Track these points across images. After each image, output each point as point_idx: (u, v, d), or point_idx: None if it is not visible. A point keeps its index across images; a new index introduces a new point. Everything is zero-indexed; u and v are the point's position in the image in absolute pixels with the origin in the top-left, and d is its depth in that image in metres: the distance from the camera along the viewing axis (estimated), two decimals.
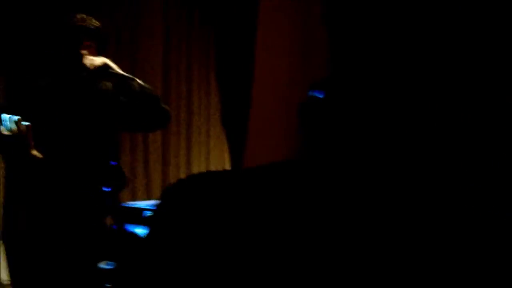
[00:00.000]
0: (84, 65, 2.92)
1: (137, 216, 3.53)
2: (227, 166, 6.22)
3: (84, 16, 2.98)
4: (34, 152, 2.76)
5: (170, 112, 3.28)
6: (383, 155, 0.92)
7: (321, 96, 0.98)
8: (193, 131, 5.91)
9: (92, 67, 2.92)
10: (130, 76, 3.04)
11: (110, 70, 2.98)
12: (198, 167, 5.96)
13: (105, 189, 2.88)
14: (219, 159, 6.20)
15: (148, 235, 0.95)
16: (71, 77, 2.95)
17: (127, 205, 3.62)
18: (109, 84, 3.09)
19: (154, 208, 0.95)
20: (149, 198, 5.20)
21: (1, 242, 4.49)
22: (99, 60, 2.96)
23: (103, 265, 3.68)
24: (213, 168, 6.10)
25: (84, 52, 2.93)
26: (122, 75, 3.00)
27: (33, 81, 2.97)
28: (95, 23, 2.99)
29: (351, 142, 0.92)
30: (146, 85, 3.07)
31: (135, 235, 3.38)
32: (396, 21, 0.90)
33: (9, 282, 4.45)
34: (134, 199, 4.64)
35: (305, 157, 0.99)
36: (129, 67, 5.14)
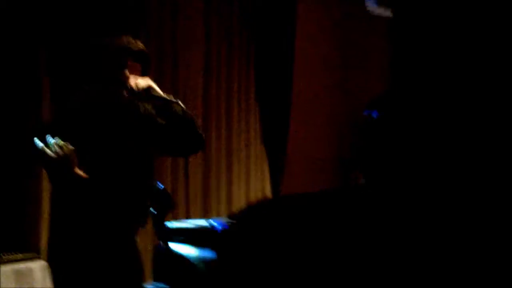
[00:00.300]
0: (128, 86, 2.94)
1: (183, 236, 3.53)
2: (267, 183, 6.21)
3: (130, 38, 3.01)
4: (78, 172, 2.79)
5: (205, 139, 3.29)
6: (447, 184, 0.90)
7: (376, 115, 0.97)
8: (233, 148, 5.90)
9: (136, 89, 2.94)
10: (173, 99, 3.02)
11: (153, 93, 2.98)
12: (238, 185, 5.95)
13: (152, 211, 2.89)
14: (259, 177, 6.18)
15: (218, 258, 0.94)
16: (114, 98, 2.97)
17: (173, 225, 3.62)
18: (149, 106, 3.11)
19: (221, 233, 0.95)
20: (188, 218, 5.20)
21: (47, 264, 4.55)
22: (143, 82, 2.98)
23: (148, 286, 3.67)
24: (253, 187, 6.08)
25: (128, 73, 2.96)
26: (164, 98, 2.99)
27: (77, 101, 2.98)
28: (140, 45, 3.02)
29: (410, 165, 0.90)
30: (186, 110, 3.07)
31: (181, 255, 3.37)
32: (464, 40, 0.89)
33: None
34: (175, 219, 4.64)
35: (363, 180, 0.98)
36: (170, 86, 5.18)
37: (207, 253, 3.34)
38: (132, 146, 2.95)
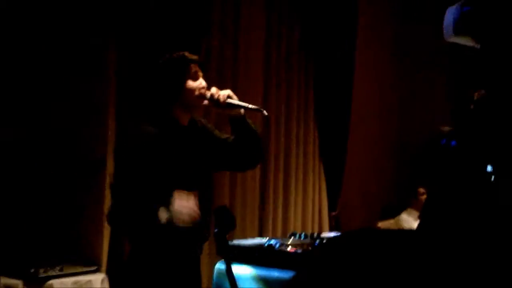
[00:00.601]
0: (205, 95, 2.94)
1: (245, 255, 3.52)
2: (324, 203, 6.18)
3: (185, 52, 3.03)
4: None
5: (264, 154, 3.30)
6: None
7: (453, 144, 0.97)
8: (291, 167, 5.90)
9: (216, 96, 2.93)
10: (256, 107, 3.00)
11: (233, 101, 2.96)
12: (294, 202, 5.94)
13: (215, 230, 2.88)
14: (316, 196, 6.16)
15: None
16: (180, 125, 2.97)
17: (235, 244, 3.61)
18: (207, 124, 3.13)
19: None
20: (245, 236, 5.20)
21: (105, 275, 4.62)
22: (225, 91, 2.97)
23: None
24: (309, 206, 6.06)
25: (202, 82, 2.95)
26: (247, 107, 2.98)
27: (142, 127, 2.93)
28: (194, 56, 3.00)
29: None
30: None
31: (242, 274, 3.36)
32: None
33: None
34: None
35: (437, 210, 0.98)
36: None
37: (268, 272, 3.33)
38: (204, 168, 2.97)
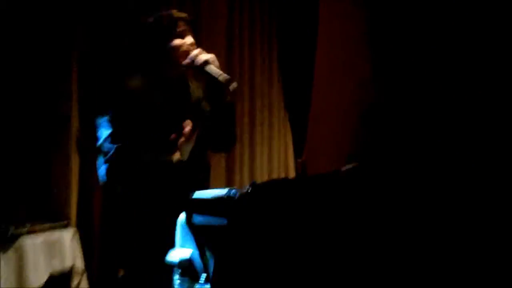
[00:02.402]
0: (186, 57, 2.91)
1: (205, 207, 3.57)
2: (290, 147, 6.25)
3: (173, 10, 3.01)
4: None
5: (236, 137, 3.20)
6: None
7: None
8: (256, 113, 5.93)
9: (196, 61, 2.88)
10: (227, 77, 2.89)
11: (210, 69, 2.88)
12: (260, 151, 6.00)
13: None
14: (281, 141, 6.22)
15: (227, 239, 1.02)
16: (163, 76, 2.98)
17: (197, 196, 3.66)
18: (199, 91, 3.08)
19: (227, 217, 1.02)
20: None
21: (76, 229, 4.65)
22: (205, 56, 2.90)
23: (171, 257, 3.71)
24: (276, 151, 6.13)
25: (178, 41, 2.93)
26: (219, 76, 2.87)
27: (123, 82, 2.96)
28: (182, 13, 3.00)
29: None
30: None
31: (202, 224, 3.42)
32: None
33: (83, 269, 4.63)
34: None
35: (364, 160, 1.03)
36: None
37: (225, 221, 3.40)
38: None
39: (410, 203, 0.94)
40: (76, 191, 4.71)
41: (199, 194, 3.80)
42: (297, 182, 1.06)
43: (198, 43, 4.70)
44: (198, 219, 3.03)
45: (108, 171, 2.84)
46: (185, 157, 2.84)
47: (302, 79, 6.26)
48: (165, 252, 2.89)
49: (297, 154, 6.25)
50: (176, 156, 2.83)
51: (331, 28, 6.82)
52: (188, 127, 2.83)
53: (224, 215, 3.37)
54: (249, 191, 1.08)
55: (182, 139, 2.82)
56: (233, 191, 3.75)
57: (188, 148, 2.85)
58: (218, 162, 5.56)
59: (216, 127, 3.01)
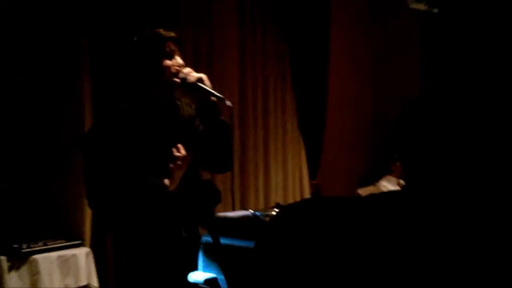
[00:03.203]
0: (177, 75, 2.84)
1: (230, 227, 3.49)
2: (304, 169, 6.23)
3: (161, 29, 2.90)
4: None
5: (233, 160, 3.04)
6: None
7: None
8: (269, 135, 5.92)
9: (189, 79, 2.82)
10: (221, 96, 2.84)
11: (203, 85, 2.83)
12: (275, 173, 5.98)
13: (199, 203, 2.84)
14: (295, 164, 6.20)
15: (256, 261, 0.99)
16: (151, 97, 2.88)
17: (221, 216, 3.59)
18: (190, 110, 3.00)
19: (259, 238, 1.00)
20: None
21: (90, 249, 4.65)
22: (197, 74, 2.85)
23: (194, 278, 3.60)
24: (290, 173, 6.11)
25: (178, 61, 2.86)
26: (213, 93, 2.83)
27: (116, 104, 2.88)
28: (171, 33, 2.89)
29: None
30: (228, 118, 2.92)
31: (229, 246, 3.33)
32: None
33: None
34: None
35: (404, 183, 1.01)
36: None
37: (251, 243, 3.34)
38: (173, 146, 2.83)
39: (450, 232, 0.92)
40: (90, 211, 4.70)
41: (222, 215, 3.73)
42: (324, 204, 1.03)
43: (211, 69, 4.68)
44: (222, 241, 2.96)
45: (97, 197, 2.78)
46: (176, 180, 2.76)
47: (316, 102, 6.31)
48: (176, 273, 2.85)
49: (311, 175, 6.24)
50: (167, 180, 2.75)
51: (342, 51, 6.86)
52: (181, 150, 2.76)
53: (251, 237, 3.29)
54: (278, 213, 1.06)
55: (174, 163, 2.75)
56: (258, 213, 3.68)
57: (179, 172, 2.77)
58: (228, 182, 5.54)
59: (212, 147, 2.89)
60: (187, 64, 2.92)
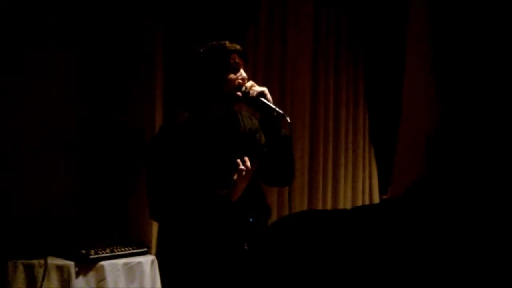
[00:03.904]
0: (241, 88, 2.85)
1: None
2: (375, 184, 6.12)
3: (227, 41, 2.93)
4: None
5: (295, 171, 3.07)
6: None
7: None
8: (340, 148, 5.85)
9: (251, 92, 2.84)
10: (281, 111, 2.85)
11: (265, 99, 2.84)
12: (344, 188, 5.90)
13: (250, 220, 2.84)
14: (366, 177, 6.10)
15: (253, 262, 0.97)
16: (213, 110, 2.91)
17: None
18: (255, 123, 3.02)
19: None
20: None
21: (155, 257, 4.69)
22: (259, 87, 2.86)
23: None
24: (360, 188, 6.02)
25: (242, 76, 2.87)
26: (274, 108, 2.84)
27: (177, 114, 2.92)
28: (237, 46, 2.91)
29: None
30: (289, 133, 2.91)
31: None
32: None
33: None
34: None
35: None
36: (278, 89, 5.21)
37: None
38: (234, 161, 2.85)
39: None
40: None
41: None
42: (318, 215, 1.00)
43: (283, 77, 4.62)
44: None
45: (161, 208, 2.81)
46: (238, 193, 2.77)
47: (388, 115, 6.18)
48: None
49: (382, 190, 6.13)
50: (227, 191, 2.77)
51: (418, 62, 6.70)
52: (246, 163, 2.76)
53: None
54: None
55: (239, 174, 2.76)
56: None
57: (243, 183, 2.78)
58: (300, 196, 5.50)
59: (273, 161, 2.90)
60: (258, 74, 2.94)
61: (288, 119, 2.84)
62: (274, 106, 2.85)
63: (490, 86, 0.89)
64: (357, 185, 5.97)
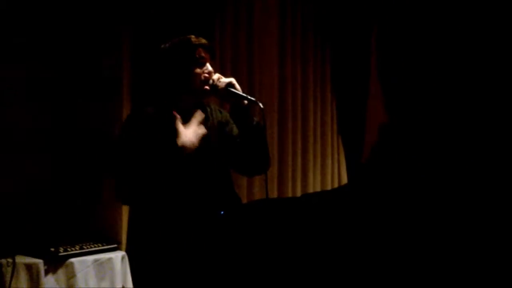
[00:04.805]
0: (209, 81, 2.86)
1: None
2: (343, 173, 6.16)
3: (193, 36, 2.91)
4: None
5: (271, 158, 3.07)
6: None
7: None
8: (308, 138, 5.87)
9: (218, 84, 2.84)
10: (253, 98, 2.86)
11: (234, 89, 2.85)
12: (313, 178, 5.92)
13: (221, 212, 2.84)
14: (334, 167, 6.13)
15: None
16: (180, 105, 2.90)
17: None
18: (224, 115, 3.02)
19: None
20: None
21: (125, 253, 4.66)
22: (226, 78, 2.87)
23: None
24: (329, 177, 6.04)
25: (208, 69, 2.87)
26: (245, 96, 2.85)
27: (142, 109, 2.92)
28: (203, 40, 2.91)
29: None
30: (262, 119, 2.91)
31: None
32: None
33: None
34: None
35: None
36: (246, 76, 5.20)
37: None
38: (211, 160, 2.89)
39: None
40: (126, 214, 4.71)
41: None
42: (272, 203, 0.99)
43: (250, 71, 4.60)
44: None
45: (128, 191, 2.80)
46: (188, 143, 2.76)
47: (356, 104, 6.21)
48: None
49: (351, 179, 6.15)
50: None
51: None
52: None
53: None
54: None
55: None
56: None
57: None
58: (271, 179, 5.49)
59: (247, 150, 2.89)
60: (226, 67, 2.94)
61: (260, 105, 2.84)
62: (244, 94, 2.85)
63: (435, 83, 0.89)
64: (326, 173, 5.99)
